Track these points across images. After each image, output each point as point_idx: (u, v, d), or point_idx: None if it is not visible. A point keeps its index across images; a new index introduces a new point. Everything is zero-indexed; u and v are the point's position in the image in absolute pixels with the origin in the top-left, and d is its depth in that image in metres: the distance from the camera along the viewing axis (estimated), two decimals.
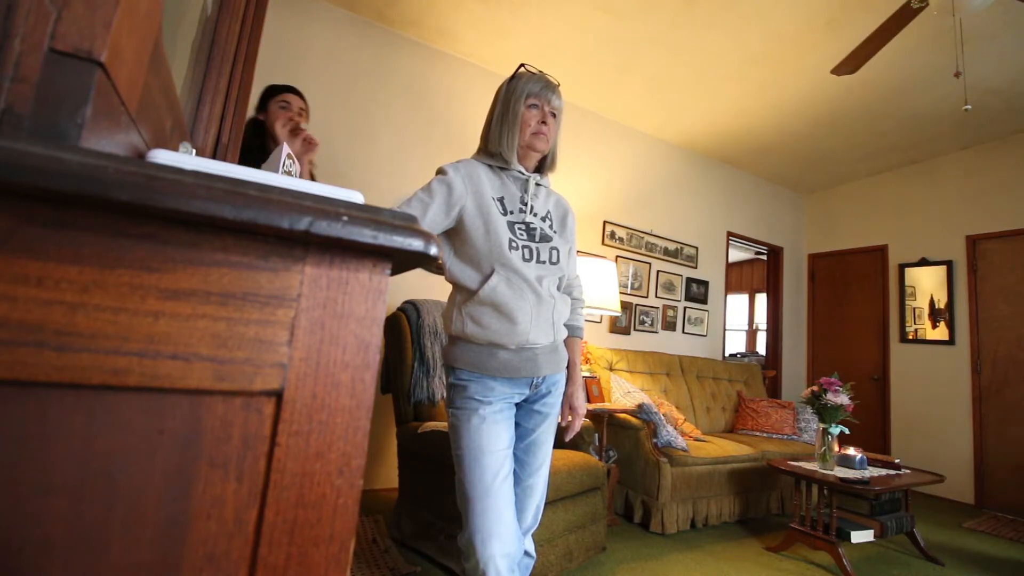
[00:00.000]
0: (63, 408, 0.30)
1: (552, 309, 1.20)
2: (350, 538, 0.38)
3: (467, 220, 1.17)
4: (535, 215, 1.23)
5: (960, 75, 2.29)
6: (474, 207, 1.17)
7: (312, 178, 1.77)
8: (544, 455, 1.24)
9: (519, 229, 1.20)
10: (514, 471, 1.20)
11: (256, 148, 1.67)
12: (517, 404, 1.24)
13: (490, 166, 1.25)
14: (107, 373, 0.31)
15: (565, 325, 1.32)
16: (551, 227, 1.27)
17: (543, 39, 3.08)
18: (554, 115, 1.24)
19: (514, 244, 1.17)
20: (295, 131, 1.61)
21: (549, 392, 1.25)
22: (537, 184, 1.26)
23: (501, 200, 1.21)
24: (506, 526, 1.09)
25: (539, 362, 1.19)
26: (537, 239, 1.22)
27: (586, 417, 2.77)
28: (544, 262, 1.20)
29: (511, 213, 1.21)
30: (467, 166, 1.22)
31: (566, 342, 1.34)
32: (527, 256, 1.19)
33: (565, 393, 1.32)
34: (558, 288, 1.27)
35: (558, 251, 1.24)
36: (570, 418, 1.33)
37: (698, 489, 2.71)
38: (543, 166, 1.31)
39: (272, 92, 1.78)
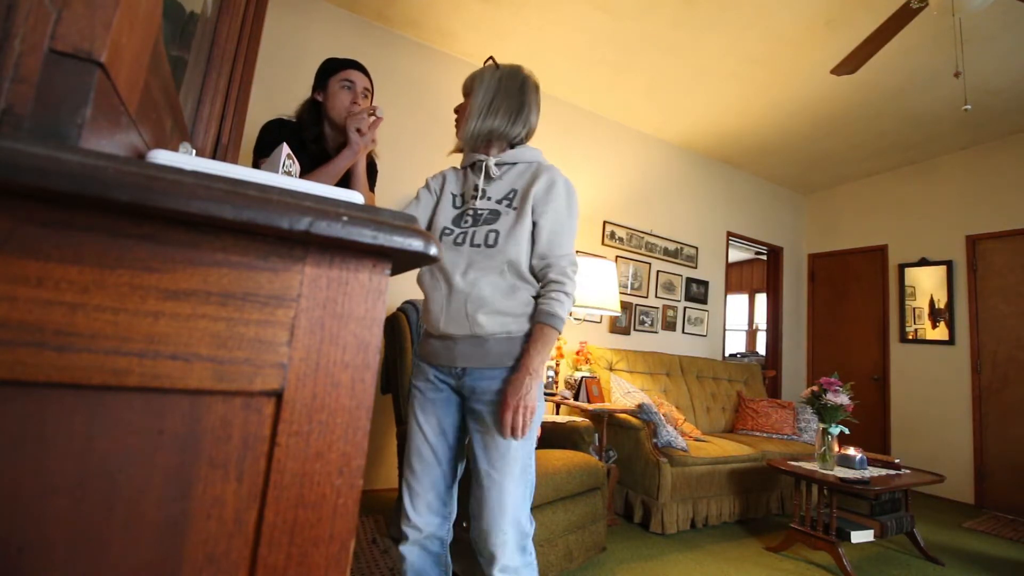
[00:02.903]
0: (63, 408, 0.30)
1: (465, 300, 1.12)
2: (350, 538, 0.38)
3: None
4: (488, 199, 1.21)
5: (960, 75, 2.29)
6: (438, 208, 1.27)
7: (371, 164, 1.58)
8: (489, 459, 1.11)
9: (466, 217, 1.21)
10: (476, 470, 1.15)
11: (313, 138, 1.47)
12: (464, 403, 1.19)
13: (465, 167, 1.30)
14: (107, 373, 0.31)
15: (537, 310, 1.16)
16: (509, 205, 1.18)
17: (543, 39, 3.08)
18: (465, 96, 1.28)
19: (448, 231, 1.20)
20: (364, 123, 1.39)
21: (478, 388, 1.14)
22: (498, 164, 1.23)
23: (461, 195, 1.27)
24: (417, 500, 1.16)
25: (455, 352, 1.15)
26: (481, 223, 1.18)
27: (586, 417, 2.77)
28: (478, 245, 1.15)
29: (464, 203, 1.25)
30: (445, 172, 1.33)
31: (531, 330, 1.14)
32: (459, 241, 1.17)
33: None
34: (516, 271, 1.14)
35: (497, 233, 1.15)
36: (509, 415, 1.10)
37: (698, 489, 2.71)
38: (506, 145, 1.26)
39: (332, 68, 1.51)
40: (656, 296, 4.15)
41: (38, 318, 0.29)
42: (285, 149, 0.78)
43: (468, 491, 1.18)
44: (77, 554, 0.30)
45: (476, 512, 1.12)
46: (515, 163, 1.24)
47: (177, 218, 0.32)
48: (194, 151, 0.57)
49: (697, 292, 4.42)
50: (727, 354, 6.09)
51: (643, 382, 3.42)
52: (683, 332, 4.31)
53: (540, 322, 1.13)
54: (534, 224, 1.16)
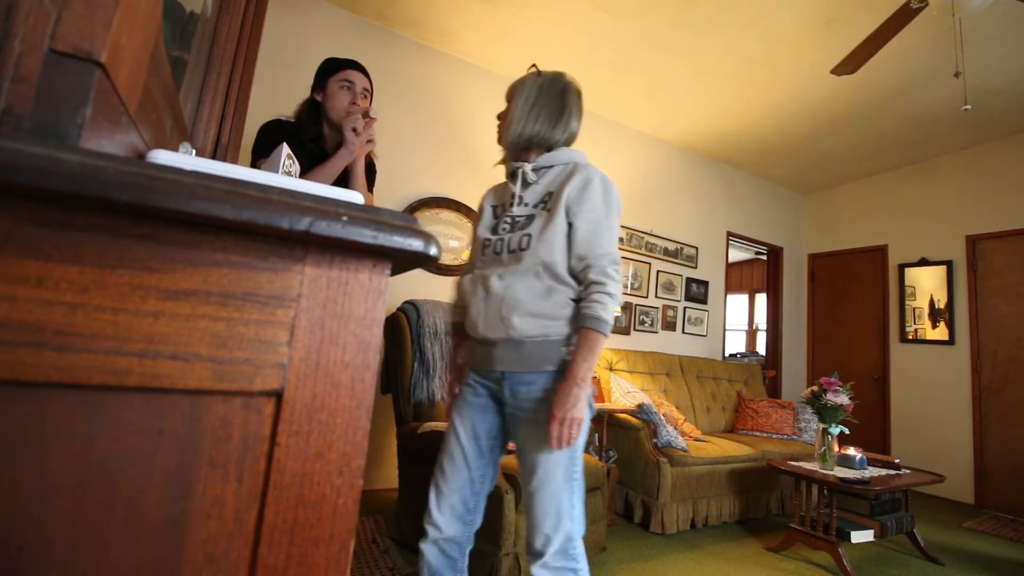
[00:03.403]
0: (63, 408, 0.30)
1: (501, 303, 1.13)
2: (350, 538, 0.38)
3: None
4: (525, 204, 1.21)
5: (960, 75, 2.29)
6: (479, 224, 1.31)
7: (370, 164, 1.59)
8: (532, 463, 1.11)
9: (503, 225, 1.22)
10: (521, 473, 1.17)
11: (312, 138, 1.49)
12: (503, 408, 1.20)
13: (507, 177, 1.32)
14: (107, 373, 0.31)
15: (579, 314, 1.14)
16: (544, 207, 1.18)
17: (543, 39, 3.08)
18: (507, 102, 1.29)
19: (487, 242, 1.23)
20: (359, 123, 1.41)
21: (517, 394, 1.14)
22: (535, 169, 1.24)
23: (501, 206, 1.29)
24: (442, 500, 1.18)
25: (493, 356, 1.16)
26: (516, 229, 1.19)
27: None
28: (514, 251, 1.16)
29: (502, 213, 1.26)
30: (486, 192, 1.37)
31: (572, 334, 1.13)
32: (497, 250, 1.20)
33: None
34: (551, 273, 1.13)
35: (530, 236, 1.15)
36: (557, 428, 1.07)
37: (698, 489, 2.70)
38: (545, 151, 1.26)
39: (332, 68, 1.51)
40: (656, 296, 4.15)
41: (38, 318, 0.29)
42: (285, 149, 0.78)
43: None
44: (77, 554, 0.30)
45: (526, 512, 1.14)
46: (551, 166, 1.23)
47: (177, 218, 0.32)
48: (194, 151, 0.57)
49: (697, 292, 4.42)
50: (727, 354, 6.08)
51: (643, 382, 3.42)
52: (683, 332, 4.31)
53: (583, 327, 1.09)
54: (570, 225, 1.14)
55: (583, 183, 1.15)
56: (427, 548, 1.18)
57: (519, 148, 1.24)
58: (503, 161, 1.31)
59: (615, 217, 1.17)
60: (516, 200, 1.22)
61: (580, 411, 1.06)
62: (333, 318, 0.38)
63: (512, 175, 1.26)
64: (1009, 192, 3.86)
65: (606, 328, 1.09)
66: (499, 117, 1.30)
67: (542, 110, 1.22)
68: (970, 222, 4.06)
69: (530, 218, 1.18)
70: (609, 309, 1.10)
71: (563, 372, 1.10)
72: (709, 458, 2.75)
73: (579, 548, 1.12)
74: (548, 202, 1.18)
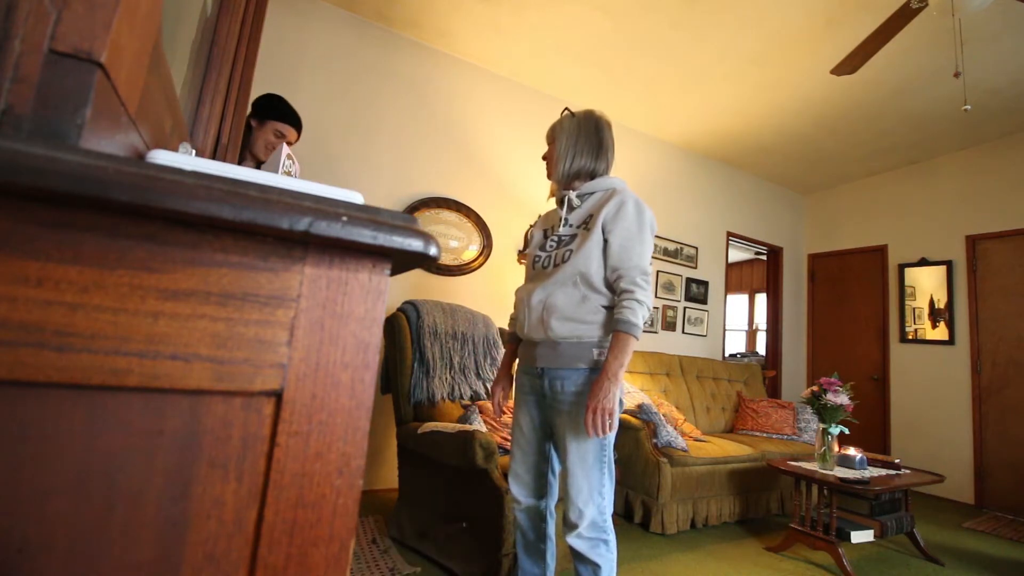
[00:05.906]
0: (63, 408, 0.30)
1: (542, 309, 1.32)
2: (350, 538, 0.38)
3: None
4: (570, 225, 1.40)
5: (960, 75, 2.29)
6: (532, 245, 1.51)
7: None
8: (564, 448, 1.30)
9: (551, 243, 1.43)
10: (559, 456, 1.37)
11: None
12: (544, 400, 1.37)
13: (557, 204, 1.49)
14: (107, 373, 0.31)
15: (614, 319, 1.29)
16: (585, 227, 1.36)
17: (543, 39, 3.08)
18: (549, 144, 1.48)
19: (537, 258, 1.44)
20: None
21: (553, 386, 1.32)
22: (579, 195, 1.41)
23: (551, 228, 1.47)
24: (517, 479, 1.43)
25: (535, 354, 1.36)
26: (561, 246, 1.39)
27: None
28: (559, 264, 1.36)
29: (550, 234, 1.45)
30: (539, 218, 1.58)
31: (603, 337, 1.29)
32: (545, 264, 1.40)
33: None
34: (587, 282, 1.29)
35: (571, 251, 1.35)
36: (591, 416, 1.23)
37: (698, 489, 2.70)
38: (589, 179, 1.43)
39: (279, 114, 1.67)
40: (656, 296, 4.15)
41: (38, 318, 0.29)
42: (285, 149, 0.78)
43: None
44: (77, 554, 0.30)
45: (562, 490, 1.31)
46: (593, 192, 1.40)
47: (177, 218, 0.32)
48: (194, 151, 0.57)
49: (697, 292, 4.42)
50: (727, 354, 6.08)
51: (643, 382, 3.42)
52: (683, 332, 4.31)
53: (616, 330, 1.25)
54: (606, 241, 1.30)
55: (618, 205, 1.32)
56: (517, 514, 1.46)
57: (567, 180, 1.42)
58: (553, 193, 1.50)
59: (647, 234, 1.32)
60: (562, 222, 1.41)
61: (611, 402, 1.21)
62: (333, 318, 0.38)
63: (560, 202, 1.45)
64: (1009, 192, 3.86)
65: (635, 331, 1.24)
66: (544, 158, 1.49)
67: (584, 146, 1.39)
68: (970, 222, 4.05)
69: (572, 237, 1.37)
70: (638, 314, 1.24)
71: (594, 370, 1.27)
72: (709, 458, 2.75)
73: (609, 522, 1.29)
74: (588, 222, 1.35)
